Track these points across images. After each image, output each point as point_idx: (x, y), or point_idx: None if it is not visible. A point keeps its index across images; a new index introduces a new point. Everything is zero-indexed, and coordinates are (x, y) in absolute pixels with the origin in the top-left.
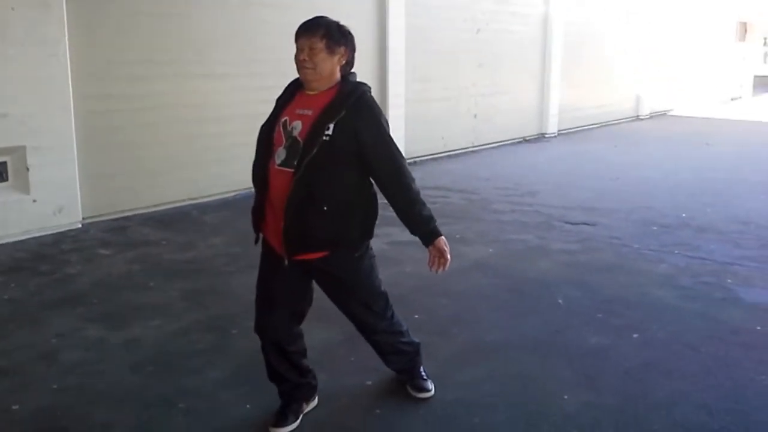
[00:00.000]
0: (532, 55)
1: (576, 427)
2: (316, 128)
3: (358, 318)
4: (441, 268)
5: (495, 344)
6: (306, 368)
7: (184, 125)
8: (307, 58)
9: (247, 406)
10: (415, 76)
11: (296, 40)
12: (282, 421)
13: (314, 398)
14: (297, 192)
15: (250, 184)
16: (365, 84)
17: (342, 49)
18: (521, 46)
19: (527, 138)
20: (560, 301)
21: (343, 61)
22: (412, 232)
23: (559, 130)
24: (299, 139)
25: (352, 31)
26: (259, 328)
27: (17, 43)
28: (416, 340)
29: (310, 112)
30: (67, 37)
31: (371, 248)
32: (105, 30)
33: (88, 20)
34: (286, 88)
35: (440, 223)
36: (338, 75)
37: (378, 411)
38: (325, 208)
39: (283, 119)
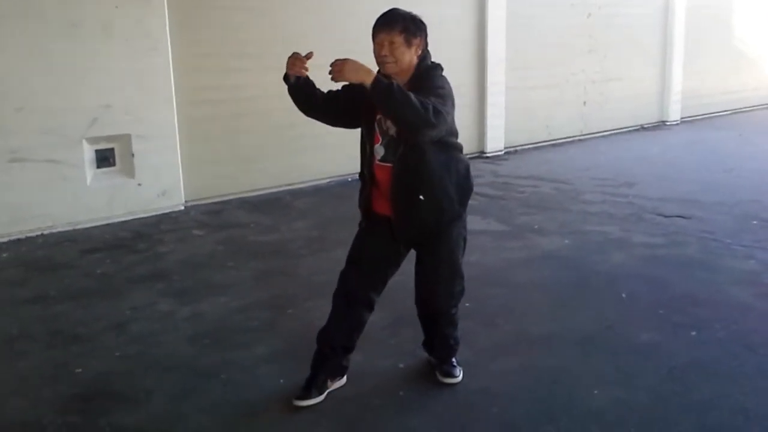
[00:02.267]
0: (651, 39)
1: (597, 423)
2: None
3: (433, 294)
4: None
5: (538, 336)
6: (352, 347)
7: (278, 115)
8: (388, 54)
9: (281, 380)
10: (516, 63)
11: (374, 35)
12: (306, 395)
13: (342, 378)
14: (397, 188)
15: (340, 171)
16: (438, 66)
17: (418, 40)
18: (638, 30)
19: (645, 126)
20: (624, 295)
21: (420, 51)
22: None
23: (682, 118)
24: (395, 135)
25: (453, 17)
26: (344, 274)
27: (121, 38)
28: (459, 333)
29: None
30: (168, 32)
31: (466, 227)
32: (202, 25)
33: (187, 16)
34: None
35: (522, 213)
36: (414, 63)
37: (401, 393)
38: (421, 197)
39: (378, 117)
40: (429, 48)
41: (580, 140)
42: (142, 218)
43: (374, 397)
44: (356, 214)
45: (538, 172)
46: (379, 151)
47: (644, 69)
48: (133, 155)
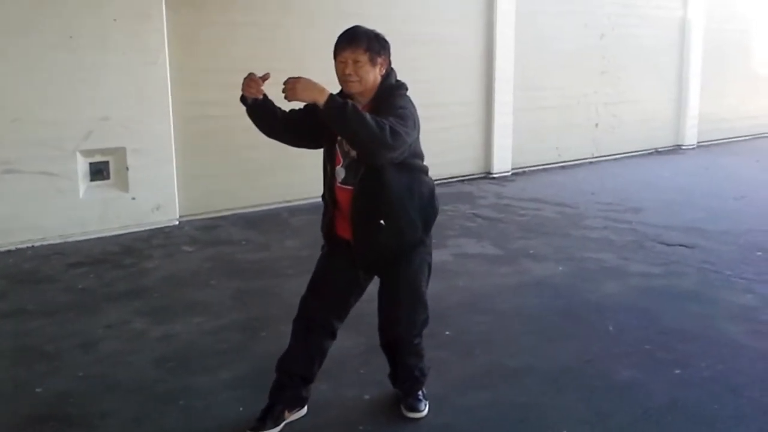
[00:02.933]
0: (667, 62)
1: None
2: None
3: (394, 322)
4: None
5: (514, 369)
6: (311, 377)
7: None
8: (352, 73)
9: (240, 408)
10: (526, 83)
11: (337, 53)
12: (260, 426)
13: (302, 408)
14: (358, 212)
15: None
16: (402, 86)
17: (382, 58)
18: (653, 52)
19: (659, 150)
20: (611, 328)
21: (383, 70)
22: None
23: (698, 142)
24: (356, 157)
25: (461, 36)
26: (305, 300)
27: (119, 51)
28: (428, 365)
29: None
30: (166, 46)
31: (430, 253)
32: (202, 39)
33: (187, 30)
34: None
35: (519, 237)
36: (378, 81)
37: (361, 427)
38: (382, 222)
39: (339, 138)
40: (431, 64)
41: (591, 163)
42: (135, 232)
43: (332, 431)
44: None
45: (543, 194)
46: (340, 173)
47: (659, 91)
48: (127, 169)
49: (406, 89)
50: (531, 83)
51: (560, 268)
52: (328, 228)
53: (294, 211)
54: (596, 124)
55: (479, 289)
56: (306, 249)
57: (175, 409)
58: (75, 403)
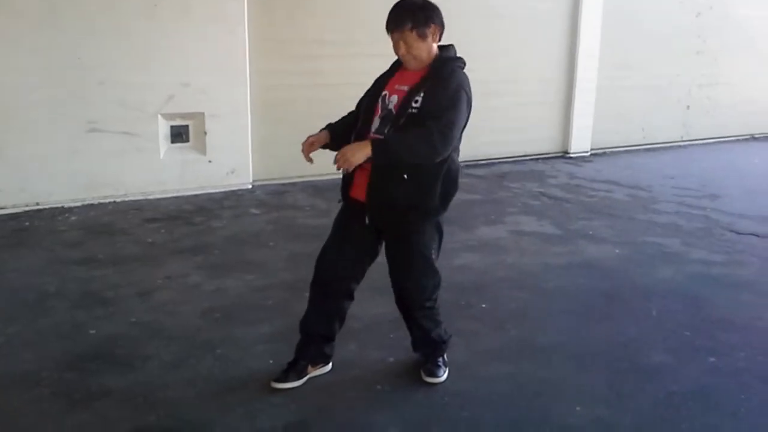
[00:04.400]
0: None
1: None
2: (406, 100)
3: (404, 286)
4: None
5: (542, 346)
6: (332, 335)
7: (352, 103)
8: (405, 53)
9: (270, 361)
10: (611, 60)
11: (388, 33)
12: (284, 378)
13: (325, 366)
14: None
15: None
16: (459, 59)
17: (432, 28)
18: (756, 33)
19: (756, 136)
20: (654, 313)
21: (437, 37)
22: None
23: None
24: (393, 110)
25: (544, 9)
26: (319, 263)
27: (200, 21)
28: (449, 332)
29: (405, 88)
30: (246, 16)
31: (442, 225)
32: (281, 11)
33: (266, 1)
34: (391, 66)
35: (582, 218)
36: (434, 50)
37: (379, 387)
38: (405, 176)
39: (383, 93)
40: (511, 38)
41: (679, 146)
42: (210, 194)
43: (351, 389)
44: None
45: (618, 176)
46: (375, 123)
47: (759, 74)
48: (205, 133)
49: (464, 64)
50: (617, 61)
51: (616, 251)
52: (347, 181)
53: None
54: (687, 106)
55: (526, 267)
56: None
57: (211, 357)
58: (122, 345)
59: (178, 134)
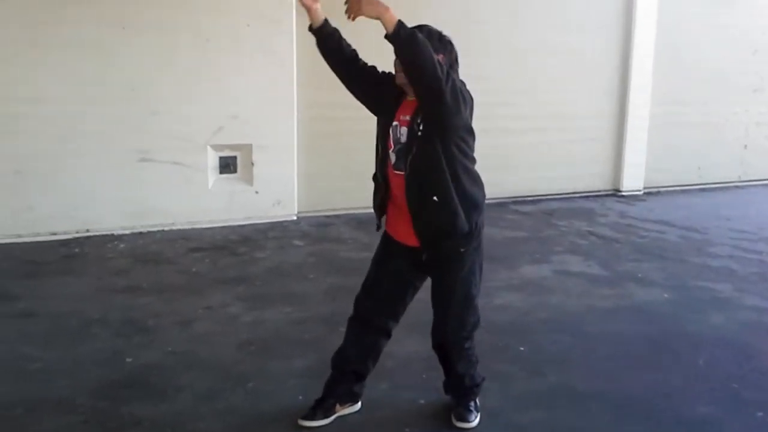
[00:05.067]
0: None
1: None
2: (412, 129)
3: (444, 321)
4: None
5: (581, 393)
6: (365, 373)
7: None
8: (403, 81)
9: (300, 397)
10: (664, 97)
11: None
12: (310, 416)
13: (354, 404)
14: (412, 191)
15: None
16: (461, 85)
17: (440, 56)
18: None
19: None
20: (701, 362)
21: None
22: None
23: None
24: (406, 142)
25: (595, 45)
26: (359, 300)
27: (249, 54)
28: (482, 375)
29: (408, 117)
30: (295, 50)
31: (482, 261)
32: None
33: None
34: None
35: (631, 259)
36: None
37: (407, 429)
38: (435, 198)
39: (393, 124)
40: (560, 73)
41: (736, 187)
42: (256, 224)
43: (378, 430)
44: None
45: (672, 216)
46: (392, 157)
47: None
48: (253, 164)
49: (462, 84)
50: (670, 97)
51: (665, 295)
52: (381, 206)
53: None
54: (745, 146)
55: (570, 309)
56: None
57: (243, 390)
58: (157, 374)
59: (227, 165)
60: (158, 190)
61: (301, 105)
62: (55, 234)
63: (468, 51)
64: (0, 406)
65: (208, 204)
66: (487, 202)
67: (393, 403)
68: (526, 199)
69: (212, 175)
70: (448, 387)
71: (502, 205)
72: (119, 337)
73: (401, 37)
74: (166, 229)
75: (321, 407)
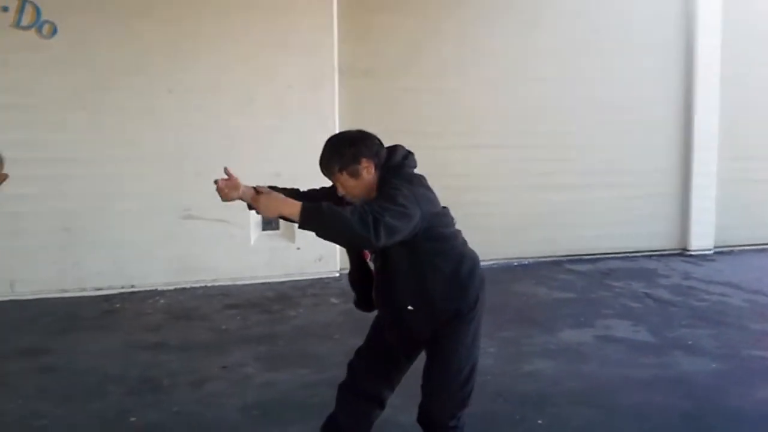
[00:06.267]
0: None
1: None
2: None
3: (427, 399)
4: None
5: None
6: None
7: (452, 194)
8: (345, 193)
9: None
10: (734, 152)
11: None
12: None
13: None
14: (382, 297)
15: (507, 254)
16: (401, 165)
17: (364, 163)
18: None
19: None
20: None
21: (372, 169)
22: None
23: None
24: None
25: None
26: (351, 367)
27: (292, 114)
28: None
29: None
30: (336, 110)
31: (478, 326)
32: (372, 104)
33: (357, 96)
34: None
35: (685, 325)
36: (373, 180)
37: None
38: (410, 307)
39: None
40: (619, 127)
41: None
42: (297, 281)
43: None
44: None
45: (740, 279)
46: (371, 264)
47: None
48: None
49: (411, 167)
50: (741, 152)
51: (713, 365)
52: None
53: None
54: None
55: (603, 379)
56: None
57: None
58: None
59: (269, 222)
60: (202, 247)
61: None
62: (100, 289)
63: (525, 108)
64: None
65: (250, 260)
66: (540, 260)
67: None
68: (583, 257)
69: (255, 232)
70: None
71: (557, 263)
72: (131, 396)
73: (309, 224)
74: (208, 285)
75: None
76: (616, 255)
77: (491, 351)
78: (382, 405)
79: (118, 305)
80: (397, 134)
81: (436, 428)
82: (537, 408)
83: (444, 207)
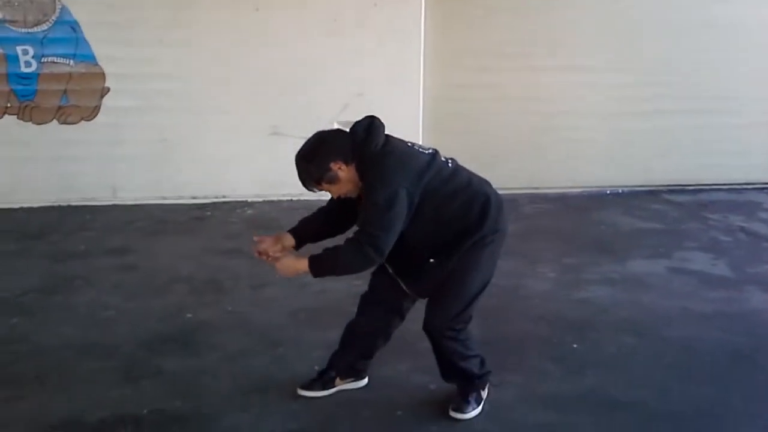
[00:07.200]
0: None
1: None
2: None
3: (430, 308)
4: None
5: (614, 401)
6: (371, 350)
7: (529, 118)
8: (333, 195)
9: (316, 367)
10: None
11: None
12: (309, 386)
13: (358, 380)
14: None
15: (598, 182)
16: (376, 155)
17: (335, 167)
18: None
19: None
20: None
21: (344, 165)
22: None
23: None
24: None
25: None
26: (375, 276)
27: (376, 33)
28: (486, 368)
29: None
30: (422, 29)
31: (494, 253)
32: (458, 24)
33: (444, 14)
34: None
35: None
36: (354, 173)
37: (399, 412)
38: (432, 260)
39: None
40: (724, 51)
41: None
42: None
43: (371, 409)
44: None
45: None
46: None
47: None
48: None
49: (376, 143)
50: None
51: None
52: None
53: (534, 198)
54: None
55: (659, 310)
56: (516, 236)
57: (269, 356)
58: (204, 332)
59: None
60: (288, 163)
61: (427, 85)
62: (195, 198)
63: (617, 31)
64: (58, 346)
65: None
66: (637, 188)
67: (402, 384)
68: (685, 188)
69: None
70: (443, 373)
71: (653, 193)
72: (192, 294)
73: (321, 274)
74: (294, 198)
75: (321, 379)
76: (721, 187)
77: (551, 276)
78: (402, 316)
79: (208, 213)
80: (487, 56)
81: (434, 339)
82: (577, 333)
83: (431, 152)
